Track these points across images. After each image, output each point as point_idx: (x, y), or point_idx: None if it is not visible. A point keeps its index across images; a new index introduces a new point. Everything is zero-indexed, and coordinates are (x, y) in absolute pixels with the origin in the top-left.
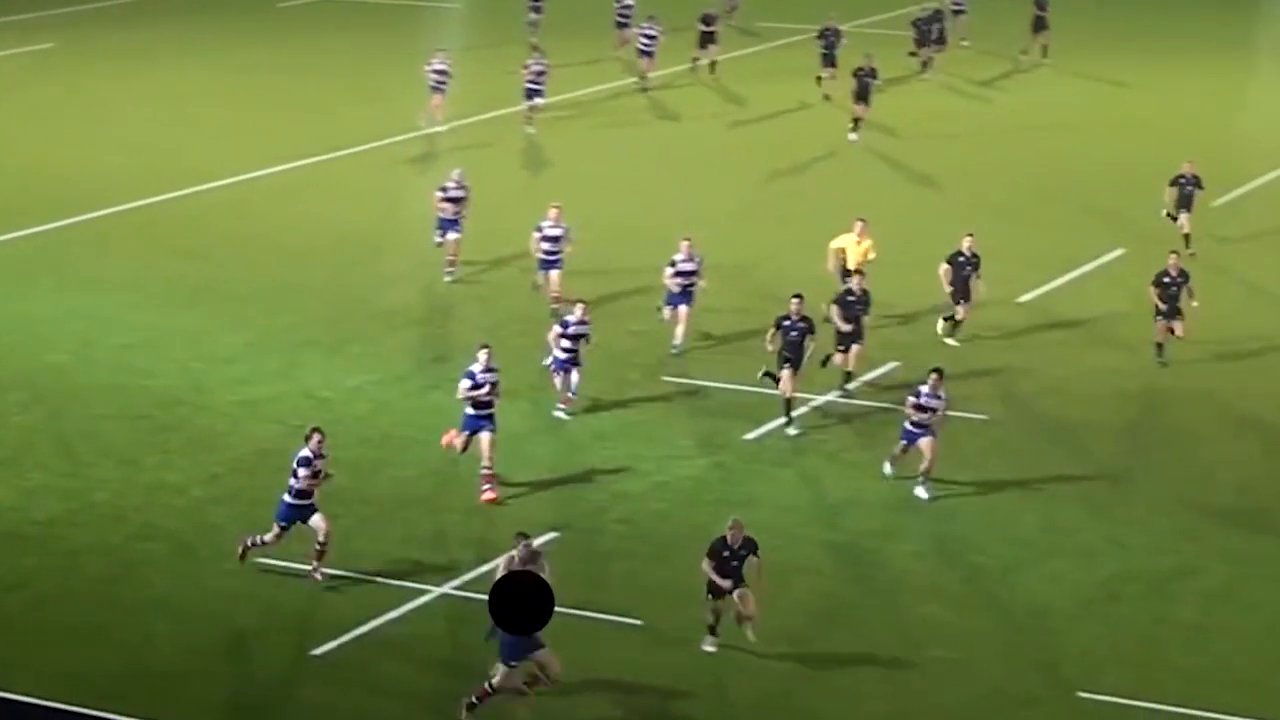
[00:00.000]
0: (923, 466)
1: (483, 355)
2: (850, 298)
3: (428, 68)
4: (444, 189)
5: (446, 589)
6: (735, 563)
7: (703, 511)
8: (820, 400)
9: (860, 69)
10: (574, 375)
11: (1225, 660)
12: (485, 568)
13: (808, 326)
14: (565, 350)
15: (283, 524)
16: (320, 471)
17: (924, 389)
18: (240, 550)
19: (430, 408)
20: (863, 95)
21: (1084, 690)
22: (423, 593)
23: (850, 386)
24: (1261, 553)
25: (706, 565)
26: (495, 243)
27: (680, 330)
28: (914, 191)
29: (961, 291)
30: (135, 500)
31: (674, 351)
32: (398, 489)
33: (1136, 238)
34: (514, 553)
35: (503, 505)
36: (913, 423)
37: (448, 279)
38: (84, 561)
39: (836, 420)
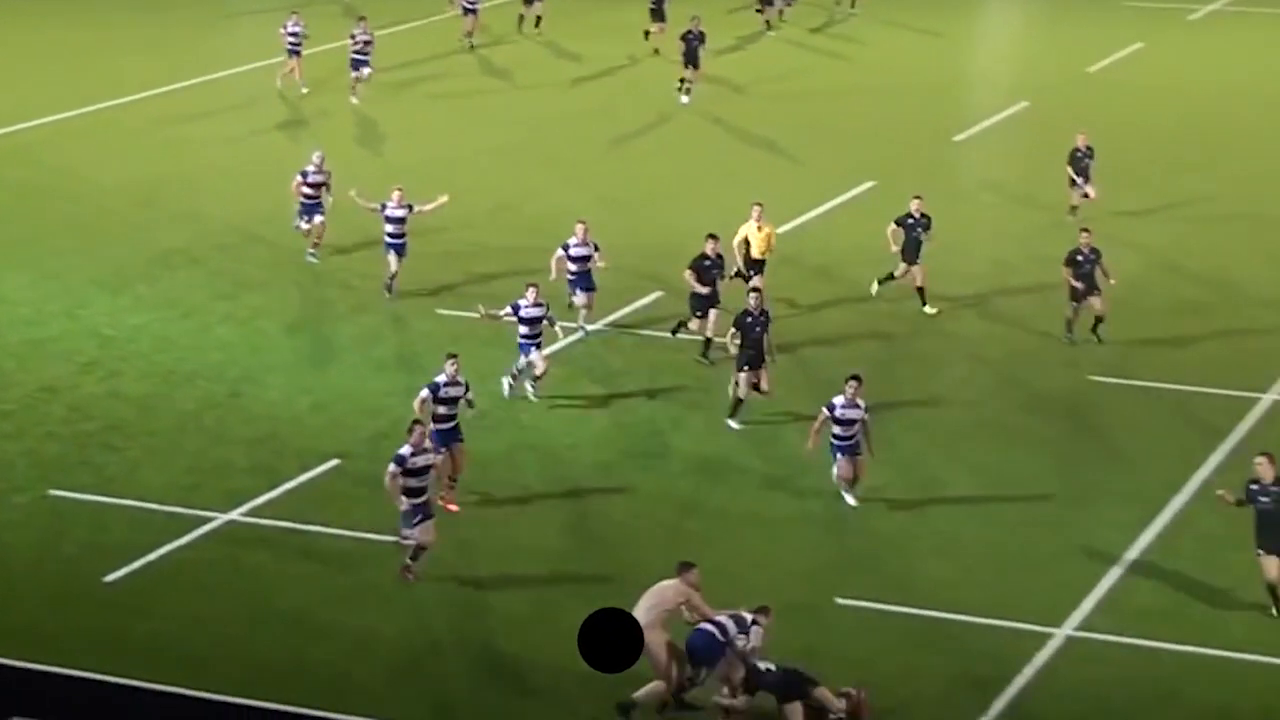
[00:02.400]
0: (850, 476)
1: (449, 367)
2: (706, 262)
3: (282, 30)
4: (304, 173)
5: (234, 515)
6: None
7: (476, 435)
8: (581, 333)
9: (689, 32)
10: (535, 356)
11: (969, 566)
12: (271, 494)
13: (768, 320)
14: (525, 336)
15: (414, 523)
16: (427, 467)
17: (839, 400)
18: (407, 575)
19: (212, 344)
20: (691, 58)
21: (841, 596)
22: (210, 520)
23: (709, 355)
24: (1001, 467)
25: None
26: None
27: (584, 313)
28: (709, 146)
29: (912, 253)
30: None
31: (584, 337)
32: (183, 421)
33: (885, 172)
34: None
35: (283, 436)
36: (836, 437)
37: (312, 261)
38: None
39: (601, 348)
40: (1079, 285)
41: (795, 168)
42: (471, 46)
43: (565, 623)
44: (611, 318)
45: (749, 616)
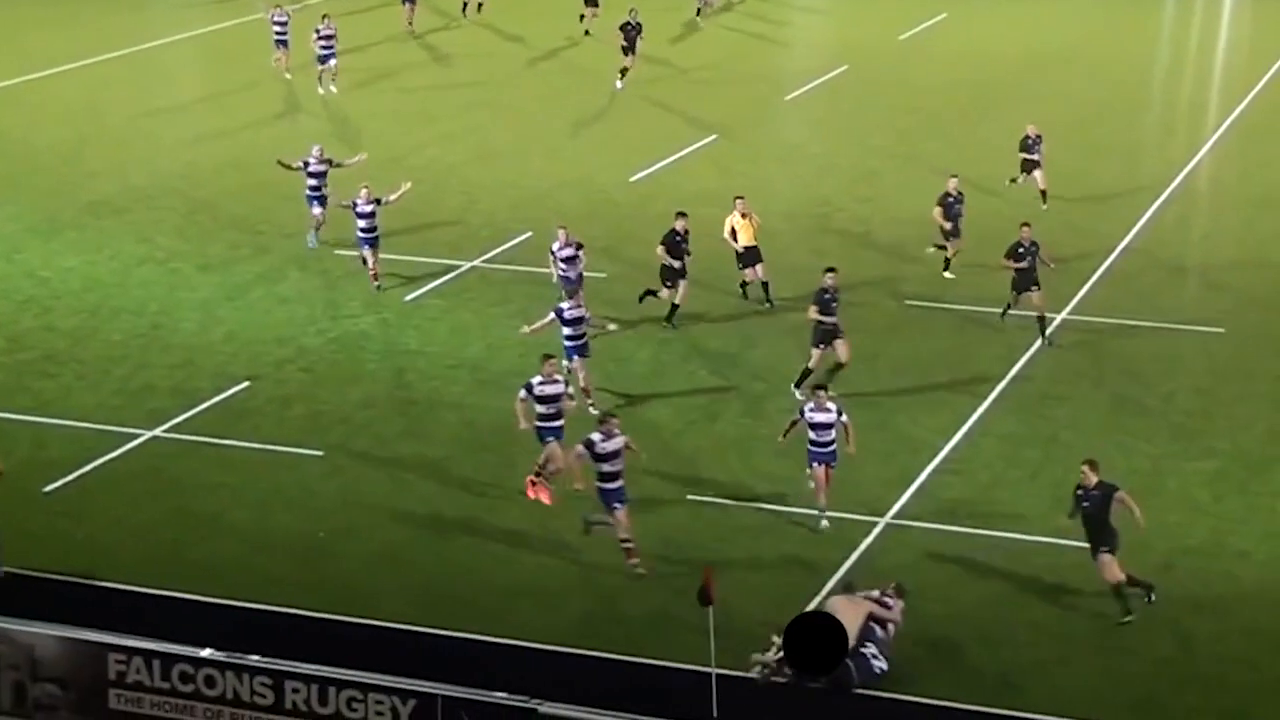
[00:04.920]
0: (820, 499)
1: (546, 367)
2: (677, 238)
3: (270, 18)
4: (305, 163)
5: (157, 432)
6: None
7: (370, 359)
8: (468, 265)
9: (626, 24)
10: (577, 363)
11: (804, 465)
12: (190, 413)
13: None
14: (569, 338)
15: (612, 507)
16: (618, 451)
17: (809, 407)
18: (635, 563)
19: (134, 283)
20: (629, 48)
21: (692, 493)
22: (136, 436)
23: (674, 320)
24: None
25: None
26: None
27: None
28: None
29: (954, 229)
30: None
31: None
32: (110, 350)
33: (726, 126)
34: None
35: (199, 362)
36: (813, 443)
37: (312, 245)
38: None
39: (477, 281)
40: (1019, 277)
41: (653, 124)
42: (413, 33)
43: (450, 521)
44: (488, 255)
45: (893, 603)
